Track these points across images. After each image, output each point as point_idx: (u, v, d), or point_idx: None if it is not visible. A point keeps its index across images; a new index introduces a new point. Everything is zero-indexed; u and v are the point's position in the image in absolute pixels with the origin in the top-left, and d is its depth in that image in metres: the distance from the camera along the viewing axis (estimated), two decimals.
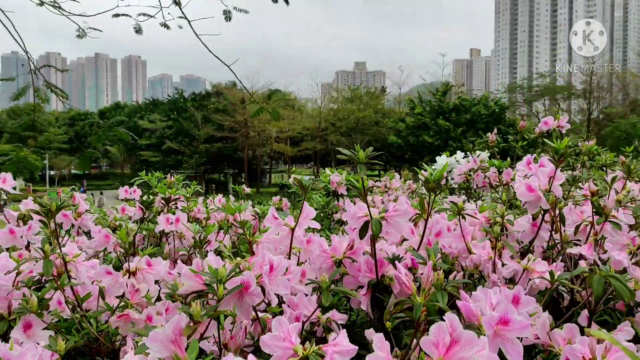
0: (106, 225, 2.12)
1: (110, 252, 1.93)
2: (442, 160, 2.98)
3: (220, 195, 3.06)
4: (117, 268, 2.06)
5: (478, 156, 2.70)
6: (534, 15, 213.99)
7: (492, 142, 2.71)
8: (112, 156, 63.11)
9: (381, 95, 54.77)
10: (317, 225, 1.29)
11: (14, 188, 2.04)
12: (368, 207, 1.16)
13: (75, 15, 6.07)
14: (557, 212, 1.30)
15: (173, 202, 2.13)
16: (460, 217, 1.25)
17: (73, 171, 74.62)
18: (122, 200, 3.46)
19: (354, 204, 1.20)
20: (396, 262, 1.09)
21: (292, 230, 1.26)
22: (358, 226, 1.17)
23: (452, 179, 2.83)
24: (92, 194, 53.10)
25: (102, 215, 2.70)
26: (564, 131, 2.58)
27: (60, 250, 1.19)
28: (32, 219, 2.08)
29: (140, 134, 50.07)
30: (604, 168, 2.56)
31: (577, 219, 1.37)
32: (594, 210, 1.28)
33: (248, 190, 3.07)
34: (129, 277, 1.20)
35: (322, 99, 52.04)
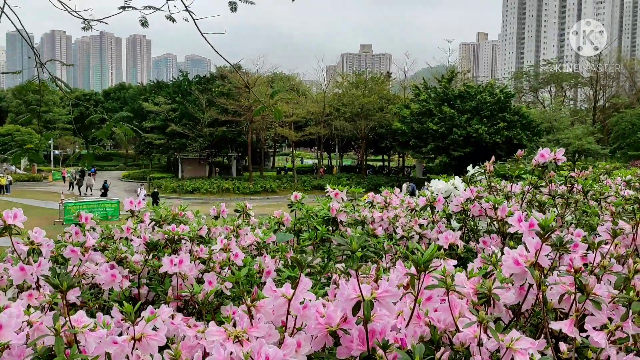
0: (112, 257, 2.19)
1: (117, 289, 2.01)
2: (439, 185, 3.03)
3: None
4: (121, 302, 2.15)
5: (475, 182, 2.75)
6: (543, 0, 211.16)
7: (490, 172, 2.76)
8: (117, 137, 63.19)
9: (386, 81, 54.47)
10: (313, 297, 1.36)
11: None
12: (360, 288, 1.22)
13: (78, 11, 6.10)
14: (540, 287, 1.36)
15: (176, 243, 2.20)
16: (449, 291, 1.31)
17: (77, 150, 74.84)
18: (127, 211, 3.54)
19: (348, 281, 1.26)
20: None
21: (289, 300, 1.33)
22: (350, 306, 1.24)
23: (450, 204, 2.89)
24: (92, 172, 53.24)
25: (109, 240, 2.77)
26: (559, 164, 2.63)
27: (70, 324, 1.27)
28: (41, 253, 2.16)
29: (145, 116, 50.10)
30: (599, 201, 2.62)
31: (561, 289, 1.43)
32: (577, 286, 1.34)
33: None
34: (134, 345, 1.28)
35: (327, 84, 51.83)
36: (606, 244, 1.78)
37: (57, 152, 66.30)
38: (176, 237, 2.20)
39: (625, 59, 65.08)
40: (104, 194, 36.66)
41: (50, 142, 58.50)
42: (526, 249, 1.46)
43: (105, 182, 39.51)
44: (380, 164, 64.24)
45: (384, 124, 47.04)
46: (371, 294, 1.24)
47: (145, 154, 57.71)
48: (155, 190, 32.57)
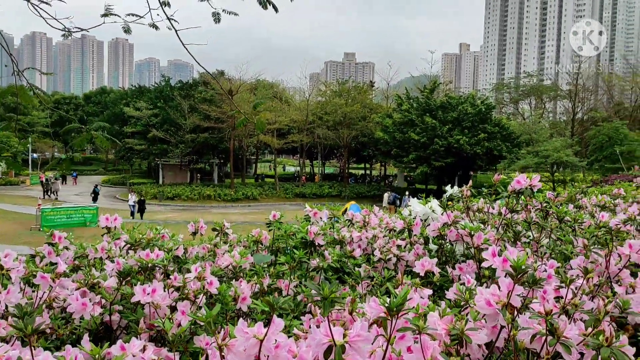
0: (84, 283, 2.15)
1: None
2: (417, 207, 3.04)
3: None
4: (92, 330, 2.11)
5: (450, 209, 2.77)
6: (524, 14, 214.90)
7: (466, 197, 2.78)
8: (96, 142, 62.37)
9: (369, 90, 54.80)
10: (285, 337, 1.34)
11: None
12: (332, 332, 1.21)
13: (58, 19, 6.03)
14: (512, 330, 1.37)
15: (150, 270, 2.17)
16: (421, 334, 1.31)
17: (56, 155, 73.75)
18: (102, 227, 3.48)
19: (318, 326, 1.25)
20: None
21: (261, 341, 1.31)
22: (322, 350, 1.24)
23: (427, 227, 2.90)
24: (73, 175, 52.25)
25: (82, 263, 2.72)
26: (535, 190, 2.67)
27: None
28: (10, 279, 2.11)
29: (126, 120, 49.59)
30: (573, 228, 2.65)
31: (533, 329, 1.44)
32: (547, 329, 1.35)
33: None
34: None
35: (310, 92, 51.96)
36: (580, 277, 1.80)
37: (35, 155, 65.26)
38: (150, 264, 2.17)
39: (603, 73, 66.42)
40: (94, 199, 36.37)
41: (28, 145, 57.60)
42: (499, 287, 1.47)
43: (96, 186, 39.15)
44: (363, 172, 64.52)
45: (367, 133, 47.29)
46: (343, 338, 1.23)
47: (125, 159, 57.10)
48: (142, 197, 32.14)
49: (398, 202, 35.01)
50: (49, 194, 39.97)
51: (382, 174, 60.06)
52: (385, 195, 36.68)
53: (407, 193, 37.36)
